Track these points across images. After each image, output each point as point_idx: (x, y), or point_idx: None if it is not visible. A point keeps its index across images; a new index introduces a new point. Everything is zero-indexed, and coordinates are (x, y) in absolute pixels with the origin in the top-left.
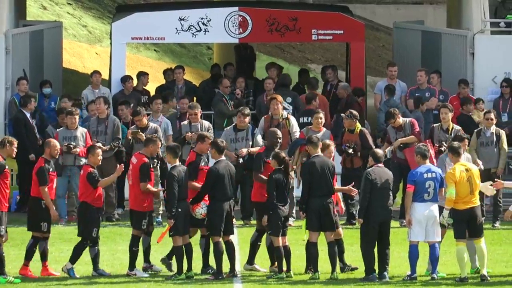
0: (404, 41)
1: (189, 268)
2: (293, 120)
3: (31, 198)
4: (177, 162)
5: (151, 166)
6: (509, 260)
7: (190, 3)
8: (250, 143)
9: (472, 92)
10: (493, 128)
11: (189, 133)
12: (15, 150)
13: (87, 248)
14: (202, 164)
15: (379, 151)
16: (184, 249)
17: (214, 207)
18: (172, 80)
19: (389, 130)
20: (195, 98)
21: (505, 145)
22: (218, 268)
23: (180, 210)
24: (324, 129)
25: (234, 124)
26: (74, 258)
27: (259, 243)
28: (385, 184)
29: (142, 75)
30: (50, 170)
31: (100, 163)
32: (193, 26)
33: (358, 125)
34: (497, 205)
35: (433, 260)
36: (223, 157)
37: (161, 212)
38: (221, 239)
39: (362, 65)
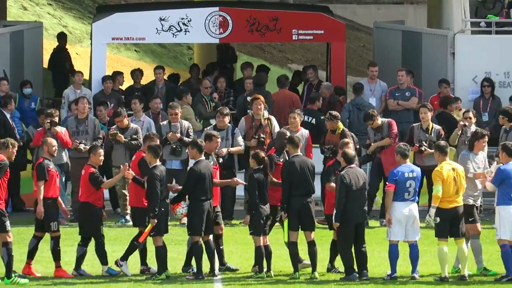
0: (385, 41)
1: (165, 268)
2: (274, 120)
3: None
4: (158, 162)
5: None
6: (489, 259)
7: (170, 3)
8: (230, 143)
9: (453, 92)
10: (473, 128)
11: (170, 133)
12: (15, 153)
13: (74, 246)
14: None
15: (351, 152)
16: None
17: (195, 207)
18: (153, 80)
19: (368, 131)
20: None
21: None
22: (198, 268)
23: (162, 209)
24: (302, 128)
25: (214, 124)
26: (102, 259)
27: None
28: (360, 185)
29: (118, 75)
30: (50, 166)
31: (101, 163)
32: (174, 26)
33: (340, 125)
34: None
35: (413, 259)
36: (203, 157)
37: (128, 212)
38: (200, 239)
39: (342, 65)
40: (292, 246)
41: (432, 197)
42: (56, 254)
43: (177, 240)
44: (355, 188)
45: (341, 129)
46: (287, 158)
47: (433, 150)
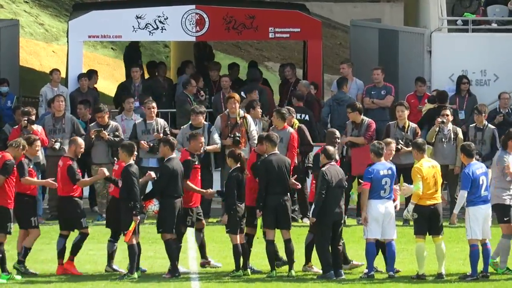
0: (361, 39)
1: (138, 267)
2: (250, 119)
3: (60, 198)
4: (132, 161)
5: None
6: (466, 258)
7: (147, 1)
8: (206, 141)
9: (429, 90)
10: (450, 125)
11: (155, 133)
12: (21, 154)
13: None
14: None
15: (331, 148)
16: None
17: (167, 204)
18: (129, 78)
19: (347, 125)
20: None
21: (462, 143)
22: (173, 266)
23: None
24: (289, 127)
25: (190, 122)
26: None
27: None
28: (338, 183)
29: (94, 73)
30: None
31: (79, 155)
32: (150, 24)
33: (296, 121)
34: (454, 202)
35: (389, 257)
36: (174, 155)
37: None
38: (171, 236)
39: (319, 63)
40: (269, 245)
41: (413, 194)
42: (62, 252)
43: (153, 239)
44: (334, 185)
45: (297, 125)
46: (337, 158)
47: (409, 149)
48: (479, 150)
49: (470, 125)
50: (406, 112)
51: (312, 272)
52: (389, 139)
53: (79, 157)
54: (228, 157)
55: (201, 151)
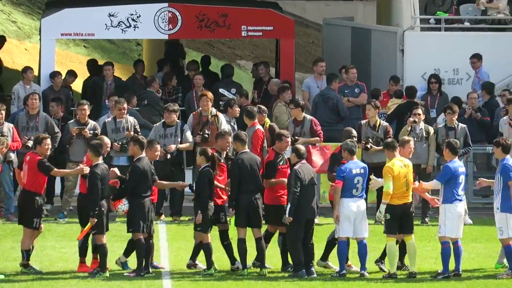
0: (334, 37)
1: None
2: (221, 117)
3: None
4: (100, 160)
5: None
6: (438, 256)
7: None
8: (179, 139)
9: (402, 89)
10: (422, 124)
11: (127, 132)
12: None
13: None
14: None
15: (302, 147)
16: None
17: (136, 204)
18: (102, 76)
19: (289, 123)
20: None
21: (434, 142)
22: (140, 265)
23: (102, 209)
24: (257, 125)
25: (163, 120)
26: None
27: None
28: (311, 181)
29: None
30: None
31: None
32: (123, 22)
33: (267, 120)
34: (426, 202)
35: (361, 256)
36: (144, 154)
37: (68, 208)
38: (142, 236)
39: (291, 61)
40: (240, 243)
41: (383, 193)
42: (82, 250)
43: (124, 237)
44: (306, 184)
45: (268, 124)
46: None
47: (380, 147)
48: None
49: (439, 125)
50: (375, 111)
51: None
52: (407, 137)
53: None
54: (199, 155)
55: (171, 149)
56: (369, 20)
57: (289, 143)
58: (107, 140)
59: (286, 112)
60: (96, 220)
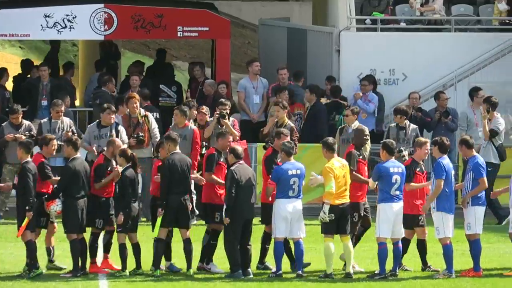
0: (270, 38)
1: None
2: (151, 117)
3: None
4: (29, 158)
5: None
6: (375, 257)
7: (55, 0)
8: None
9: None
10: (355, 125)
11: (65, 132)
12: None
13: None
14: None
15: (239, 148)
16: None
17: (70, 205)
18: (37, 77)
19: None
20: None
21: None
22: (75, 266)
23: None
24: (190, 125)
25: (97, 120)
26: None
27: None
28: (248, 182)
29: (5, 72)
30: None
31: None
32: (59, 23)
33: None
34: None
35: (298, 257)
36: (78, 154)
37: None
38: (76, 236)
39: (227, 62)
40: (159, 243)
41: (326, 193)
42: (92, 250)
43: (62, 237)
44: (244, 184)
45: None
46: (365, 155)
47: None
48: (404, 149)
49: (391, 125)
50: (283, 112)
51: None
52: (423, 139)
53: None
54: (119, 156)
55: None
56: (305, 20)
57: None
58: (118, 142)
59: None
60: (32, 214)
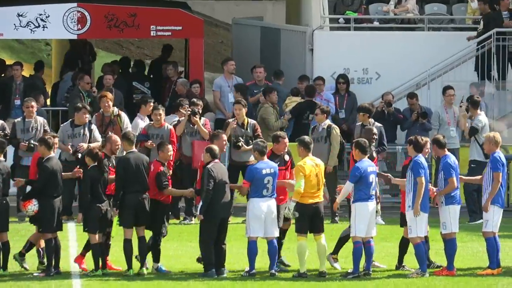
0: (243, 37)
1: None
2: (124, 116)
3: None
4: (1, 157)
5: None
6: (348, 255)
7: None
8: (88, 138)
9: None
10: (325, 124)
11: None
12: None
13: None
14: None
15: (215, 147)
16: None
17: (47, 204)
18: (10, 76)
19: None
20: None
21: (335, 142)
22: (49, 265)
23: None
24: (166, 124)
25: (71, 119)
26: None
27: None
28: (224, 180)
29: None
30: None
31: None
32: (32, 22)
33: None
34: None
35: (271, 255)
36: (52, 154)
37: None
38: (52, 236)
39: (200, 61)
40: (126, 243)
41: (294, 192)
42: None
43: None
44: (220, 183)
45: None
46: (374, 155)
47: (250, 147)
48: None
49: (357, 124)
50: (244, 110)
51: (333, 266)
52: (425, 138)
53: None
54: (86, 155)
55: (82, 148)
56: (279, 19)
57: (287, 144)
58: (115, 138)
59: (273, 113)
60: None
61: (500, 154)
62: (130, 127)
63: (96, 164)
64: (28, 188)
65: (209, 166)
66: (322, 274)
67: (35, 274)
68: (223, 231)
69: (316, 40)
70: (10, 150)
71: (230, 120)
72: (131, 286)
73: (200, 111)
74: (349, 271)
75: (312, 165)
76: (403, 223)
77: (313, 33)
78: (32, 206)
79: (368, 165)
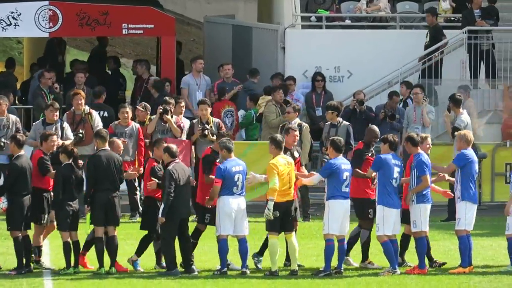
0: (215, 35)
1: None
2: (95, 114)
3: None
4: None
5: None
6: (320, 254)
7: None
8: (60, 136)
9: None
10: (295, 122)
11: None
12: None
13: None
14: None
15: (174, 146)
16: None
17: (15, 202)
18: None
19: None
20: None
21: (306, 139)
22: (19, 263)
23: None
24: (133, 123)
25: (42, 118)
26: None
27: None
28: (185, 180)
29: None
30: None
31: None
32: (3, 20)
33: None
34: (305, 199)
35: (242, 254)
36: (22, 152)
37: None
38: (20, 234)
39: (172, 59)
40: (98, 242)
41: (269, 190)
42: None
43: (5, 235)
44: (181, 183)
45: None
46: (373, 152)
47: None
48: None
49: (326, 123)
50: (209, 109)
51: (371, 268)
52: (424, 134)
53: None
54: (61, 153)
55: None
56: (250, 18)
57: (297, 137)
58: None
59: (275, 111)
60: None
61: (469, 151)
62: (101, 125)
63: (70, 161)
64: None
65: (169, 167)
66: (293, 273)
67: (6, 273)
68: (185, 230)
69: (288, 38)
70: None
71: (194, 120)
72: (102, 284)
73: (172, 109)
74: (320, 269)
75: (284, 163)
76: (404, 220)
77: (285, 31)
78: (1, 204)
79: (342, 163)
